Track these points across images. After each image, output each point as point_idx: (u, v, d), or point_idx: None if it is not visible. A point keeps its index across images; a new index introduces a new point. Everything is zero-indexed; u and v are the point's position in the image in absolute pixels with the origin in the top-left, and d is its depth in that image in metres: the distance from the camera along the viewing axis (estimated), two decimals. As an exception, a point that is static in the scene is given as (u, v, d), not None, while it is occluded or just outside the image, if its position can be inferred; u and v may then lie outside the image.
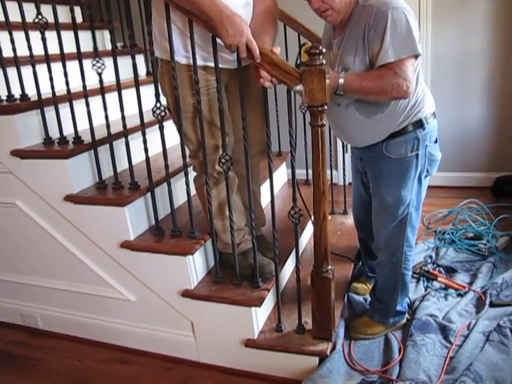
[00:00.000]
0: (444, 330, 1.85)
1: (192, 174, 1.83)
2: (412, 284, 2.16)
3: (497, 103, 3.22)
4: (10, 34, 1.82)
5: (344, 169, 2.77)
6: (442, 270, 2.32)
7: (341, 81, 1.48)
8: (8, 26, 1.82)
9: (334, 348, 1.75)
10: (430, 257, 2.45)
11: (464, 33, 3.14)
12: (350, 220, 2.66)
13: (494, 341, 1.77)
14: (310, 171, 1.56)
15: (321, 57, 1.38)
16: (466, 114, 3.29)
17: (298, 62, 1.67)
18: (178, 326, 1.92)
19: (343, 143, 2.63)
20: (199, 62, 1.58)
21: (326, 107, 1.44)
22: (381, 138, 1.62)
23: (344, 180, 2.76)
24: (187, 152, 1.75)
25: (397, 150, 1.61)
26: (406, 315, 1.94)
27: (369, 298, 2.03)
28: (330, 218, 1.60)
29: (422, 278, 2.25)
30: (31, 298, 2.22)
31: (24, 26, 1.80)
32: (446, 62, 3.21)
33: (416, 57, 1.49)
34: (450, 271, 2.31)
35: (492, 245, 2.48)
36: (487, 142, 3.31)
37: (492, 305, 2.00)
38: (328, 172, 1.58)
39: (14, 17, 1.83)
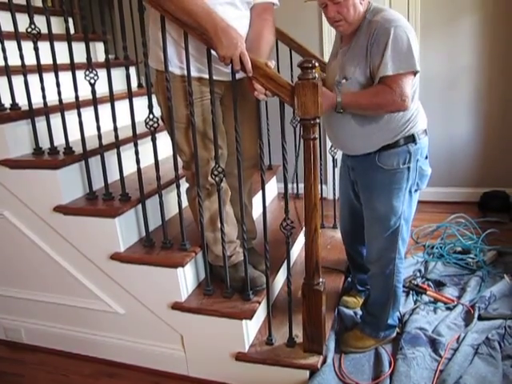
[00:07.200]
0: (434, 344, 1.86)
1: (184, 186, 1.83)
2: (402, 298, 2.16)
3: (484, 120, 3.29)
4: (2, 43, 1.81)
5: (334, 183, 2.78)
6: (430, 283, 2.33)
7: (338, 99, 1.55)
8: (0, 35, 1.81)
9: (324, 361, 1.74)
10: (419, 271, 2.47)
11: (451, 50, 3.22)
12: (339, 234, 2.66)
13: (483, 354, 1.78)
14: (301, 185, 1.57)
15: (313, 71, 1.41)
16: (453, 130, 3.35)
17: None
18: (167, 339, 1.89)
19: (333, 158, 2.65)
20: (194, 73, 1.59)
21: (318, 120, 1.46)
22: (374, 148, 1.66)
23: (334, 194, 2.77)
24: (179, 164, 1.75)
25: (389, 161, 1.65)
26: (396, 329, 1.94)
27: (359, 312, 2.03)
28: (320, 231, 1.60)
29: (411, 292, 2.26)
30: (16, 311, 2.17)
31: (16, 36, 1.79)
32: (433, 80, 3.27)
33: (414, 74, 1.54)
34: (439, 285, 2.33)
35: (480, 259, 2.50)
36: (474, 157, 3.37)
37: (480, 318, 2.02)
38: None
39: (7, 26, 1.83)
